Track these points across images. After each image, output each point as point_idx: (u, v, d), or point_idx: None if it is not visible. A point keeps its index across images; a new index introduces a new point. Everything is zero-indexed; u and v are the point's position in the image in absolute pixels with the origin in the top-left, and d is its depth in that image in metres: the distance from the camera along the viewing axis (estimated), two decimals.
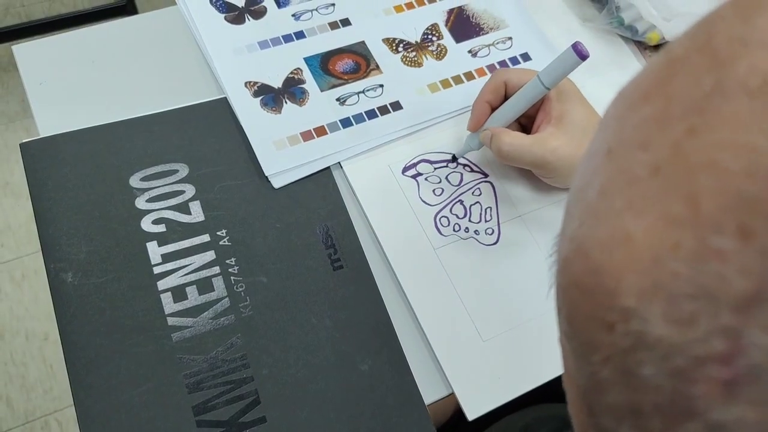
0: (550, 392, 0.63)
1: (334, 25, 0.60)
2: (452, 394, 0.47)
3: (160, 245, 0.49)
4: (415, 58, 0.60)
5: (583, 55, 0.45)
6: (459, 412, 0.69)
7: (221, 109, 0.55)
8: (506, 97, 0.52)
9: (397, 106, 0.57)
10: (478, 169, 0.55)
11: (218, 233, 0.50)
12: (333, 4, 0.61)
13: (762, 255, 0.12)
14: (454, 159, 0.55)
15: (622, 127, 0.17)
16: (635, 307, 0.14)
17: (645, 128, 0.16)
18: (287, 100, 0.56)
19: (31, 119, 0.51)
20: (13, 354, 1.20)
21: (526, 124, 0.54)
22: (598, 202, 0.16)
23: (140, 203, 0.50)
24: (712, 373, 0.13)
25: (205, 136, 0.53)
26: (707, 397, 0.13)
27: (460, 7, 0.64)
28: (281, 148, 0.53)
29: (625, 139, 0.16)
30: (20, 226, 1.34)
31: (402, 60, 0.59)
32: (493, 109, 0.52)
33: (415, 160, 0.55)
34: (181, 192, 0.51)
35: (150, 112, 0.54)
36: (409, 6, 0.63)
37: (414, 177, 0.54)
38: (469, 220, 0.53)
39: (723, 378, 0.13)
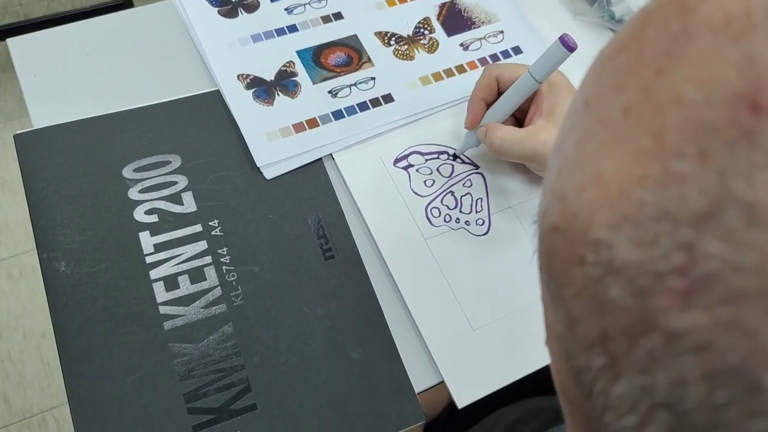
0: (541, 386, 0.63)
1: (326, 19, 0.61)
2: (442, 383, 0.48)
3: (152, 235, 0.49)
4: (407, 52, 0.60)
5: (570, 47, 0.45)
6: (451, 405, 0.70)
7: (214, 101, 0.55)
8: (499, 92, 0.52)
9: (388, 98, 0.57)
10: (469, 161, 0.56)
11: (210, 223, 0.50)
12: None
13: (717, 173, 0.13)
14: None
15: (599, 79, 0.17)
16: (604, 237, 0.15)
17: (618, 75, 0.16)
18: (280, 93, 0.56)
19: (28, 118, 0.52)
20: (10, 351, 1.21)
21: (520, 117, 0.54)
22: (574, 150, 0.17)
23: (133, 194, 0.50)
24: (670, 285, 0.13)
25: (197, 127, 0.54)
26: (666, 308, 0.13)
27: (451, 1, 0.64)
28: (273, 140, 0.53)
29: (601, 88, 0.17)
30: (18, 224, 1.34)
31: (394, 53, 0.60)
32: (488, 105, 0.53)
33: (406, 152, 0.55)
34: (174, 183, 0.51)
35: (143, 105, 0.54)
36: (401, 0, 0.63)
37: (405, 168, 0.55)
38: (460, 211, 0.53)
39: (680, 288, 0.13)
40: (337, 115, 0.56)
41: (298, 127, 0.55)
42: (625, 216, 0.14)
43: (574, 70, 0.55)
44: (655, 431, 0.14)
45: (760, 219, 0.12)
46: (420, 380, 0.48)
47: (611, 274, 0.15)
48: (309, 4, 0.61)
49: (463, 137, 0.55)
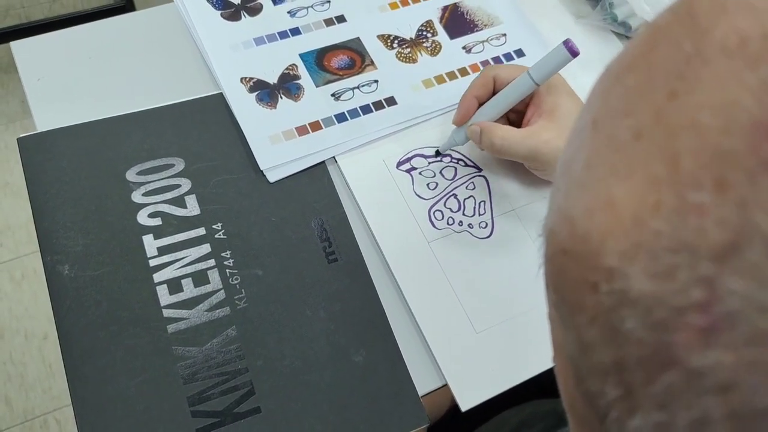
0: (545, 388, 0.63)
1: (329, 22, 0.61)
2: (446, 386, 0.48)
3: (156, 238, 0.49)
4: (410, 54, 0.60)
5: (574, 52, 0.45)
6: (454, 408, 0.70)
7: (217, 104, 0.55)
8: (495, 93, 0.52)
9: (391, 101, 0.57)
10: (472, 164, 0.56)
11: (214, 226, 0.50)
12: (328, 1, 0.62)
13: (738, 206, 0.13)
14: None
15: (607, 99, 0.17)
16: (618, 266, 0.15)
17: (629, 97, 0.16)
18: (282, 96, 0.56)
19: (30, 120, 0.52)
20: (12, 353, 1.21)
21: (514, 119, 0.54)
22: (583, 173, 0.17)
23: (136, 197, 0.50)
24: (690, 321, 0.13)
25: (200, 131, 0.54)
26: (686, 344, 0.13)
27: (454, 4, 0.64)
28: (276, 143, 0.54)
29: (610, 110, 0.17)
30: (20, 226, 1.34)
31: (397, 56, 0.60)
32: (480, 104, 0.52)
33: (409, 155, 0.55)
34: (177, 186, 0.51)
35: (146, 108, 0.54)
36: (404, 3, 0.63)
37: (408, 171, 0.55)
38: (463, 214, 0.53)
39: (701, 325, 0.13)
40: (340, 118, 0.56)
41: (301, 130, 0.55)
42: (640, 245, 0.14)
43: (577, 73, 0.55)
44: None
45: None
46: (423, 383, 0.48)
47: (626, 304, 0.14)
48: (312, 7, 0.61)
49: (450, 134, 0.55)
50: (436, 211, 0.53)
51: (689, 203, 0.13)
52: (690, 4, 0.16)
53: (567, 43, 0.45)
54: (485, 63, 0.61)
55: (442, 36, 0.62)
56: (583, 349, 0.16)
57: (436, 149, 0.56)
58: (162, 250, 0.49)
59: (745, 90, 0.13)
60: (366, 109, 0.56)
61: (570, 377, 0.18)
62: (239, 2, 0.60)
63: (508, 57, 0.62)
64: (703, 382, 0.13)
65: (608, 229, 0.15)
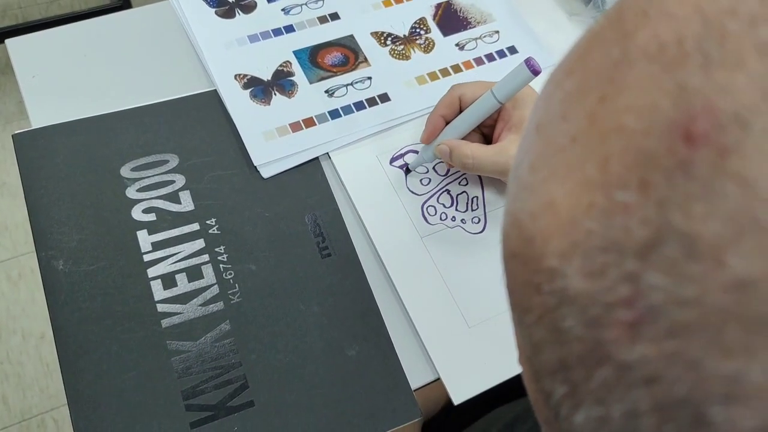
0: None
1: (323, 19, 0.61)
2: (438, 380, 0.48)
3: (150, 234, 0.49)
4: (403, 51, 0.61)
5: (535, 71, 0.46)
6: (450, 404, 0.70)
7: (211, 101, 0.56)
8: (461, 111, 0.52)
9: (385, 98, 0.58)
10: None
11: (207, 222, 0.50)
12: None
13: (657, 204, 0.13)
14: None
15: (549, 104, 0.18)
16: (557, 266, 0.15)
17: (566, 101, 0.17)
18: (276, 92, 0.56)
19: (26, 120, 0.52)
20: (9, 353, 1.21)
21: (487, 133, 0.54)
22: (528, 176, 0.17)
23: (131, 193, 0.51)
24: (619, 317, 0.14)
25: (195, 127, 0.54)
26: (616, 339, 0.14)
27: (447, 2, 0.65)
28: (270, 139, 0.54)
29: (550, 114, 0.17)
30: (17, 225, 1.34)
31: (390, 53, 0.60)
32: (447, 122, 0.52)
33: (402, 151, 0.56)
34: (171, 182, 0.52)
35: (141, 104, 0.54)
36: (398, 0, 0.64)
37: (401, 167, 0.55)
38: (456, 209, 0.54)
39: (627, 320, 0.13)
40: (334, 114, 0.56)
41: (295, 127, 0.55)
42: (575, 245, 0.15)
43: None
44: None
45: (698, 251, 0.12)
46: (416, 377, 0.48)
47: (565, 303, 0.15)
48: (306, 4, 0.62)
49: (419, 151, 0.55)
50: (429, 206, 0.54)
51: (616, 203, 0.14)
52: (620, 10, 0.16)
53: (528, 62, 0.45)
54: (478, 60, 0.62)
55: (435, 33, 0.62)
56: (534, 349, 0.17)
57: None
58: (156, 246, 0.49)
59: (663, 93, 0.14)
60: (359, 106, 0.57)
61: (531, 378, 0.19)
62: (233, 0, 0.61)
63: (501, 54, 0.62)
64: (632, 375, 0.14)
65: (549, 231, 0.15)
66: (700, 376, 0.13)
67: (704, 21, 0.14)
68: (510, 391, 0.65)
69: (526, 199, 0.17)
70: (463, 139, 0.51)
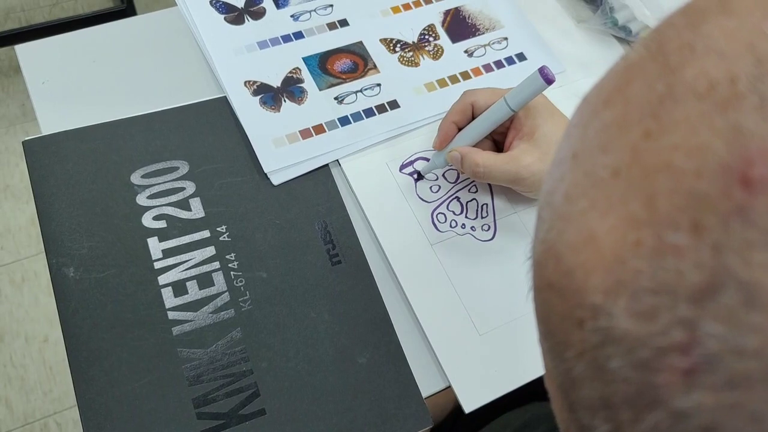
0: (546, 392, 0.63)
1: (332, 26, 0.61)
2: (449, 388, 0.48)
3: (160, 241, 0.49)
4: (412, 58, 0.61)
5: (549, 80, 0.45)
6: (458, 409, 0.70)
7: (221, 107, 0.56)
8: (473, 117, 0.52)
9: (394, 104, 0.58)
10: None
11: (218, 229, 0.50)
12: (331, 5, 0.62)
13: (713, 249, 0.13)
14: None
15: (586, 132, 0.17)
16: (601, 303, 0.15)
17: (606, 132, 0.16)
18: (286, 99, 0.56)
19: (30, 123, 0.52)
20: (12, 356, 1.21)
21: (499, 140, 0.54)
22: (564, 205, 0.17)
23: (141, 200, 0.51)
24: (672, 363, 0.13)
25: (205, 134, 0.54)
26: (669, 385, 0.14)
27: (456, 8, 0.65)
28: (280, 146, 0.54)
29: (588, 144, 0.17)
30: (20, 228, 1.34)
31: (399, 60, 0.60)
32: (460, 129, 0.52)
33: (412, 158, 0.56)
34: (182, 189, 0.52)
35: (151, 111, 0.54)
36: (406, 7, 0.64)
37: (411, 174, 0.55)
38: (466, 217, 0.54)
39: (682, 367, 0.13)
40: (344, 121, 0.56)
41: (305, 134, 0.55)
42: (622, 283, 0.14)
43: (579, 77, 0.56)
44: None
45: (759, 301, 0.12)
46: (427, 385, 0.48)
47: (611, 343, 0.15)
48: (315, 11, 0.62)
49: (431, 157, 0.55)
50: (438, 213, 0.54)
51: (667, 244, 0.14)
52: (660, 42, 0.16)
53: (542, 71, 0.45)
54: (487, 67, 0.62)
55: (444, 40, 0.62)
56: (572, 383, 0.17)
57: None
58: (167, 253, 0.49)
59: (715, 134, 0.13)
60: (369, 113, 0.57)
61: (562, 405, 0.19)
62: (243, 6, 0.61)
63: (510, 61, 0.62)
64: (687, 423, 0.13)
65: (592, 266, 0.15)
66: (762, 429, 0.12)
67: (757, 60, 0.13)
68: (518, 397, 0.65)
69: (563, 229, 0.17)
70: (474, 146, 0.51)
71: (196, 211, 0.51)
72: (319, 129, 0.55)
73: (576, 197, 0.16)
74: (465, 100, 0.52)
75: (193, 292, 0.48)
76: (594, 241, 0.15)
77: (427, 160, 0.56)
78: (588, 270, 0.15)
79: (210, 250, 0.49)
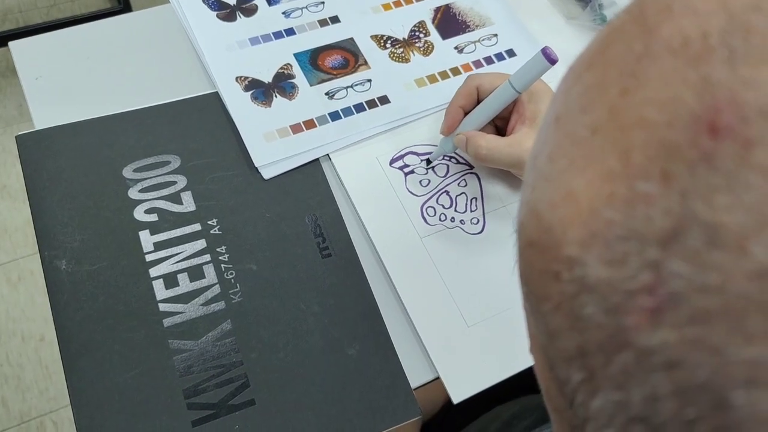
0: (536, 384, 0.64)
1: (323, 23, 0.62)
2: (438, 379, 0.48)
3: (152, 234, 0.50)
4: (403, 54, 0.61)
5: (552, 60, 0.46)
6: (449, 404, 0.70)
7: (213, 103, 0.56)
8: (479, 101, 0.53)
9: (384, 100, 0.58)
10: (463, 161, 0.57)
11: (209, 222, 0.51)
12: (323, 2, 0.63)
13: (680, 195, 0.13)
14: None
15: (568, 96, 0.18)
16: (577, 255, 0.15)
17: (587, 94, 0.17)
18: (277, 95, 0.57)
19: (27, 123, 0.53)
20: (9, 355, 1.21)
21: (501, 125, 0.55)
22: (547, 166, 0.18)
23: (133, 193, 0.51)
24: (640, 304, 0.14)
25: (196, 129, 0.55)
26: (637, 326, 0.14)
27: (446, 5, 0.65)
28: (271, 141, 0.54)
29: (570, 106, 0.17)
30: (16, 228, 1.34)
31: (390, 56, 0.61)
32: (466, 113, 0.53)
33: (402, 152, 0.56)
34: (173, 183, 0.52)
35: (143, 106, 0.55)
36: (397, 4, 0.64)
37: (401, 168, 0.56)
38: (455, 210, 0.54)
39: (649, 307, 0.14)
40: (334, 116, 0.57)
41: (296, 128, 0.55)
42: (595, 234, 0.15)
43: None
44: None
45: (721, 240, 0.13)
46: (416, 376, 0.48)
47: (585, 291, 0.15)
48: (306, 8, 0.62)
49: (439, 143, 0.56)
50: (428, 207, 0.54)
51: (638, 193, 0.14)
52: (641, 4, 0.17)
53: (545, 51, 0.46)
54: (477, 63, 0.62)
55: (434, 36, 0.63)
56: (551, 337, 0.17)
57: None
58: (158, 246, 0.49)
59: (687, 87, 0.14)
60: (359, 108, 0.57)
61: (544, 366, 0.19)
62: (235, 3, 0.61)
63: (500, 57, 0.63)
64: (652, 360, 0.14)
65: (569, 220, 0.16)
66: (722, 362, 0.13)
67: (729, 16, 0.14)
68: (509, 390, 0.65)
69: (544, 189, 0.17)
70: (480, 130, 0.52)
71: (188, 204, 0.51)
72: (309, 124, 0.56)
73: (557, 157, 0.17)
74: (470, 84, 0.53)
75: (184, 285, 0.48)
76: (572, 197, 0.16)
77: (417, 154, 0.56)
78: (565, 225, 0.16)
79: (201, 243, 0.50)
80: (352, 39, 0.61)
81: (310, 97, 0.57)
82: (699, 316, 0.13)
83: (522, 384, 0.63)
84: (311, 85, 0.58)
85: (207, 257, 0.50)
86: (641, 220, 0.14)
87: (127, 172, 0.52)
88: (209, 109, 0.56)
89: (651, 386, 0.14)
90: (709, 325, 0.13)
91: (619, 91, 0.16)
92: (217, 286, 0.49)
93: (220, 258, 0.50)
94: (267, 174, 0.53)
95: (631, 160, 0.14)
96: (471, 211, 0.54)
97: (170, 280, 0.48)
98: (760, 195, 0.12)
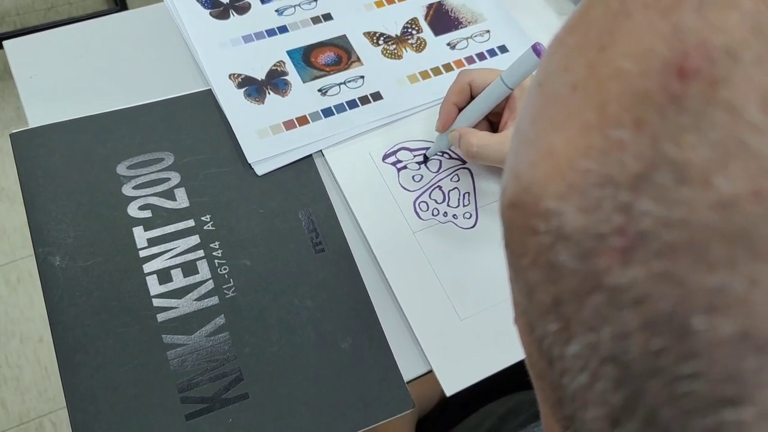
0: (529, 380, 0.64)
1: (316, 20, 0.62)
2: (431, 372, 0.48)
3: (146, 230, 0.50)
4: (395, 51, 0.62)
5: (542, 55, 0.46)
6: (443, 400, 0.71)
7: (206, 100, 0.57)
8: (472, 97, 0.53)
9: (377, 96, 0.59)
10: (456, 156, 0.57)
11: (202, 218, 0.51)
12: (315, 0, 0.63)
13: (651, 138, 0.14)
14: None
15: (551, 61, 0.18)
16: (554, 207, 0.16)
17: (568, 55, 0.17)
18: (270, 91, 0.57)
19: (25, 125, 0.53)
20: (8, 356, 1.21)
21: (494, 121, 0.55)
22: (529, 130, 0.18)
23: (127, 190, 0.51)
24: (611, 244, 0.14)
25: (190, 126, 0.55)
26: (608, 266, 0.14)
27: (439, 2, 0.66)
28: (264, 137, 0.55)
29: (552, 69, 0.18)
30: (15, 230, 1.35)
31: (382, 52, 0.61)
32: (460, 110, 0.54)
33: (394, 148, 0.57)
34: (167, 179, 0.52)
35: (137, 104, 0.55)
36: (390, 1, 0.65)
37: (394, 164, 0.56)
38: (448, 205, 0.55)
39: (619, 246, 0.14)
40: (327, 112, 0.57)
41: (289, 125, 0.56)
42: (572, 185, 0.15)
43: None
44: (603, 386, 0.15)
45: (687, 176, 0.13)
46: (409, 369, 0.49)
47: (561, 240, 0.15)
48: (299, 5, 0.63)
49: (435, 140, 0.56)
50: (421, 202, 0.54)
51: (612, 141, 0.15)
52: None
53: (535, 47, 0.46)
54: (470, 59, 0.63)
55: (426, 33, 0.63)
56: (529, 293, 0.17)
57: (423, 154, 0.57)
58: (152, 242, 0.50)
59: (659, 36, 0.14)
60: (352, 104, 0.58)
61: (525, 330, 0.19)
62: (228, 1, 0.62)
63: (492, 53, 0.63)
64: (622, 298, 0.14)
65: (548, 176, 0.16)
66: (685, 291, 0.13)
67: None
68: (503, 387, 0.65)
69: (525, 151, 0.18)
70: (474, 126, 0.52)
71: (181, 201, 0.52)
72: (302, 120, 0.56)
73: (539, 119, 0.17)
74: (462, 80, 0.53)
75: (178, 280, 0.49)
76: (551, 154, 0.16)
77: (410, 150, 0.57)
78: (544, 181, 0.16)
79: (194, 239, 0.50)
80: (344, 36, 0.62)
81: (303, 94, 0.57)
82: (665, 250, 0.13)
83: (516, 381, 0.63)
84: (304, 82, 0.58)
85: (200, 253, 0.50)
86: (615, 165, 0.14)
87: (121, 169, 0.52)
88: (203, 106, 0.56)
89: (621, 323, 0.14)
90: (675, 258, 0.13)
91: (597, 48, 0.16)
92: (211, 281, 0.49)
93: (213, 253, 0.50)
94: (260, 170, 0.53)
95: (607, 111, 0.15)
96: (464, 205, 0.55)
97: (164, 275, 0.49)
98: (724, 130, 0.13)
